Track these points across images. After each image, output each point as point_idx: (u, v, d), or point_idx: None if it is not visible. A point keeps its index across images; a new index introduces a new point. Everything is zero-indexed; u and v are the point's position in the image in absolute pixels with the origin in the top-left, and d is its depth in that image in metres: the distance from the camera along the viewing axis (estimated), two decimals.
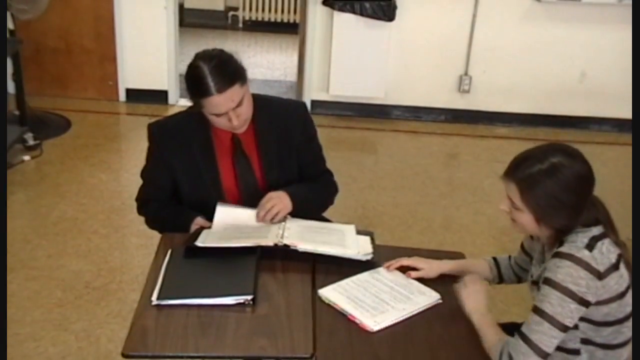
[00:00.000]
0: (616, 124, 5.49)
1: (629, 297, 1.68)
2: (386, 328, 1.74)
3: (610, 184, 4.60)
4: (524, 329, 1.64)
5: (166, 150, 2.19)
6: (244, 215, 2.14)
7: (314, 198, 2.29)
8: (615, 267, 1.64)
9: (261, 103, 2.19)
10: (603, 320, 1.68)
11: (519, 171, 1.68)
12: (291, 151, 2.26)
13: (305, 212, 2.18)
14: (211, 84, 1.97)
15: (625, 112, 5.22)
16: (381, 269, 1.99)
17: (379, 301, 1.83)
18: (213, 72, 1.98)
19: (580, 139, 5.38)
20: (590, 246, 1.63)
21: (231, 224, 2.11)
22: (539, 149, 1.70)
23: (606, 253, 1.64)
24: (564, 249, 1.64)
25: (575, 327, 1.68)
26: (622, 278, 1.65)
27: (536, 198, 1.65)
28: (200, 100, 2.02)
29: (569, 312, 1.60)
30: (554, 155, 1.65)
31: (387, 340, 1.71)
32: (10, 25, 4.39)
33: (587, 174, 1.66)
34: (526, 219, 1.69)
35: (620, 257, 1.66)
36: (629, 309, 1.69)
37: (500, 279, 2.02)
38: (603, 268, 1.61)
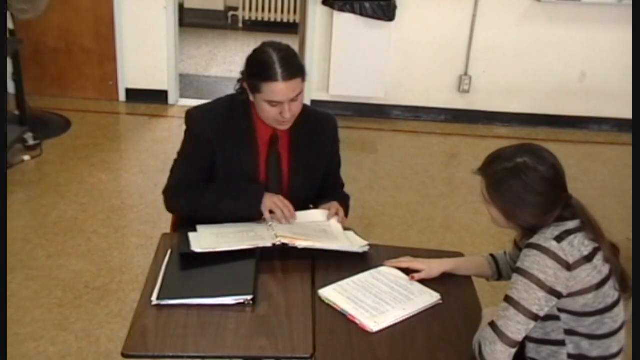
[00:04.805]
0: (616, 124, 5.49)
1: (607, 289, 1.69)
2: (386, 328, 1.75)
3: (610, 184, 4.61)
4: (494, 317, 1.67)
5: (208, 130, 2.15)
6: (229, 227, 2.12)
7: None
8: (587, 259, 1.66)
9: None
10: (582, 311, 1.70)
11: (489, 168, 1.74)
12: (319, 162, 2.28)
13: None
14: (279, 70, 2.01)
15: (625, 112, 5.22)
16: (382, 269, 1.99)
17: (379, 301, 1.84)
18: (282, 60, 2.02)
19: (580, 139, 5.39)
20: (560, 238, 1.66)
21: (226, 227, 2.10)
22: (510, 149, 1.75)
23: (577, 246, 1.66)
24: (533, 239, 1.69)
25: (557, 318, 1.72)
26: (595, 270, 1.67)
27: (501, 196, 1.71)
28: (262, 83, 2.03)
29: (535, 300, 1.62)
30: (522, 156, 1.69)
31: (387, 340, 1.72)
32: (10, 25, 4.38)
33: (553, 177, 1.69)
34: (495, 213, 1.75)
35: (596, 251, 1.68)
36: (609, 300, 1.71)
37: (499, 276, 2.03)
38: (572, 260, 1.64)
